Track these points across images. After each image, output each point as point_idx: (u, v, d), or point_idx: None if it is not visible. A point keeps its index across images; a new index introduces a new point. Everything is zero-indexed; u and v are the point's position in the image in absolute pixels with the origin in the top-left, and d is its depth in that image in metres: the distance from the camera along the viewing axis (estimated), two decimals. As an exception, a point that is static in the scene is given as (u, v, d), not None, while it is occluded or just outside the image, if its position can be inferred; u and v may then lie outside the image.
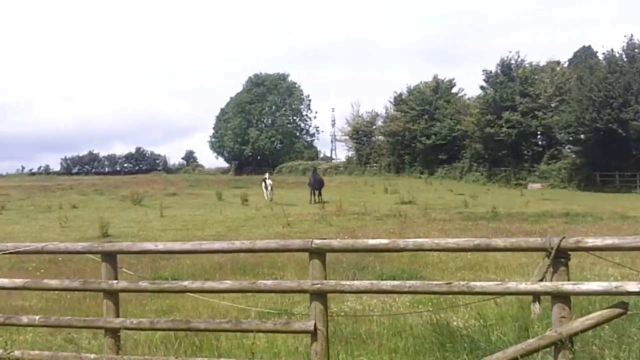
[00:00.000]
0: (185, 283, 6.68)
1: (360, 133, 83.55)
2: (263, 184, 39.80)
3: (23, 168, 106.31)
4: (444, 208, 29.60)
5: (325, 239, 6.16)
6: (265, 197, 38.51)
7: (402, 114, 73.68)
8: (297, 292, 6.46)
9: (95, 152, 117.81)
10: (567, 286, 5.27)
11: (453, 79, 76.02)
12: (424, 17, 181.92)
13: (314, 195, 37.82)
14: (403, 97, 76.85)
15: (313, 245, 6.00)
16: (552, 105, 59.32)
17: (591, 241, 5.29)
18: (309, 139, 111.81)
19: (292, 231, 20.53)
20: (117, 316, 6.68)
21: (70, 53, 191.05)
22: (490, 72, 63.61)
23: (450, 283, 5.70)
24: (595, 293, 5.44)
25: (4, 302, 10.07)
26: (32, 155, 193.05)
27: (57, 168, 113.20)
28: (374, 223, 23.01)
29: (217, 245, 6.67)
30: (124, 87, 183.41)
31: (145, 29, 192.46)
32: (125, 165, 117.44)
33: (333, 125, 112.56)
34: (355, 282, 6.27)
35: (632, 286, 5.11)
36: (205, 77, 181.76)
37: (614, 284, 5.24)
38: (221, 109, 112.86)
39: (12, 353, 6.39)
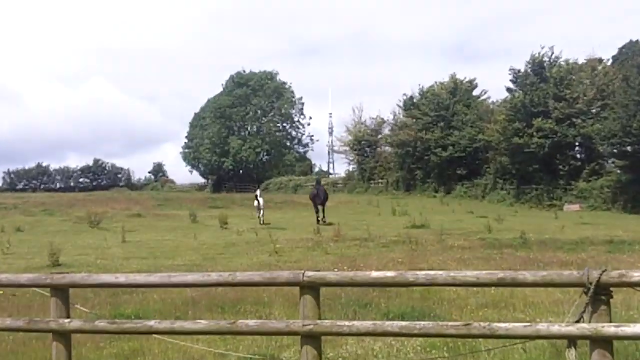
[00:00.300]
0: (152, 323, 6.67)
1: (363, 143, 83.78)
2: (255, 202, 39.85)
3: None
4: (462, 233, 29.58)
5: (319, 270, 6.17)
6: (257, 217, 38.93)
7: (414, 120, 73.87)
8: (285, 334, 6.46)
9: (44, 164, 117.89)
10: (609, 329, 5.28)
11: (474, 79, 76.44)
12: (439, 6, 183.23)
13: (319, 212, 38.48)
14: (414, 100, 77.08)
15: (305, 278, 6.00)
16: (593, 111, 59.51)
17: (637, 275, 5.30)
18: (301, 149, 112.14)
19: (280, 260, 20.50)
20: (69, 362, 6.66)
21: (16, 46, 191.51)
22: (519, 71, 63.91)
23: (469, 324, 5.71)
24: (643, 337, 5.45)
25: None
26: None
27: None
28: (378, 251, 22.99)
29: (190, 277, 6.67)
30: (80, 87, 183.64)
31: (104, 17, 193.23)
32: (81, 180, 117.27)
33: (331, 133, 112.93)
34: (356, 323, 6.27)
35: (686, 329, 5.12)
36: (177, 75, 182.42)
37: (665, 326, 5.25)
38: (196, 114, 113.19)
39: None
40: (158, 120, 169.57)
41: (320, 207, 38.56)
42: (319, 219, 37.99)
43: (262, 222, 38.15)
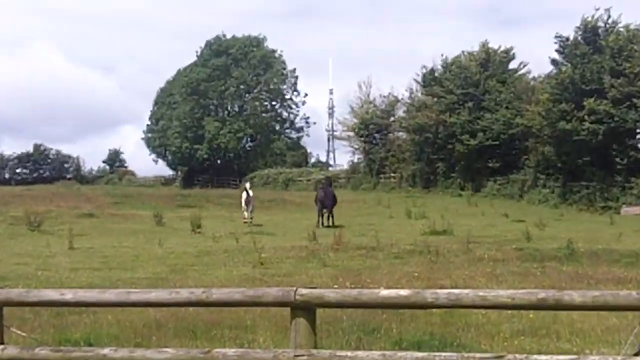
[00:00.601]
0: (105, 351, 6.68)
1: (372, 128, 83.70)
2: (244, 195, 40.53)
3: None
4: (495, 242, 29.63)
5: (315, 287, 6.18)
6: (244, 216, 40.15)
7: (435, 99, 73.85)
8: (272, 366, 6.47)
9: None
10: (676, 363, 5.30)
11: (511, 49, 76.46)
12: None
13: (323, 216, 39.92)
14: (436, 74, 77.09)
15: (297, 297, 6.02)
16: (659, 89, 59.49)
17: None
18: (294, 135, 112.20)
19: (266, 274, 20.51)
20: (2, 400, 6.67)
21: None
22: (567, 39, 63.86)
23: (502, 356, 5.73)
24: None
25: None
26: None
27: None
28: (389, 263, 23.02)
29: (155, 294, 6.68)
30: (18, 54, 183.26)
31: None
32: (18, 171, 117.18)
33: (331, 115, 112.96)
34: (360, 353, 6.28)
35: None
36: (139, 40, 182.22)
37: None
38: (162, 89, 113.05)
39: None
40: (115, 96, 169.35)
41: (325, 211, 39.85)
42: (320, 223, 38.98)
43: (250, 221, 39.49)
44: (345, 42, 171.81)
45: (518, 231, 33.13)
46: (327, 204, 39.83)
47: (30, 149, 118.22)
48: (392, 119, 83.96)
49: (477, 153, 69.66)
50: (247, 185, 42.70)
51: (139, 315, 13.65)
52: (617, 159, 59.03)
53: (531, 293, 5.81)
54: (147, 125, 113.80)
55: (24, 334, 7.99)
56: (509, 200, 63.52)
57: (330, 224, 39.12)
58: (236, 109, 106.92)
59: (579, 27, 63.32)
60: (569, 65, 62.26)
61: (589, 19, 63.00)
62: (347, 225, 38.38)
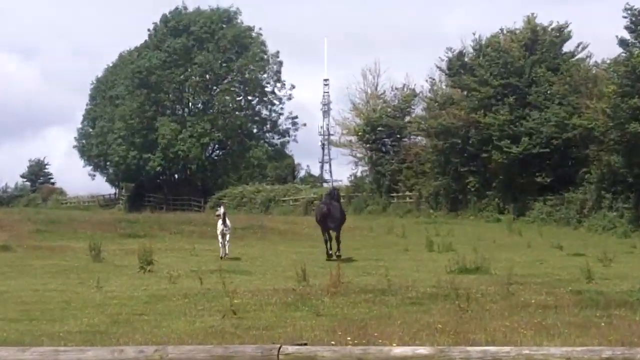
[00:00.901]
0: None
1: (381, 131, 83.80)
2: (219, 225, 40.90)
3: None
4: (544, 282, 29.68)
5: (305, 343, 6.19)
6: (221, 248, 41.01)
7: (465, 93, 73.98)
8: None
9: None
10: None
11: (565, 26, 76.69)
12: None
13: (331, 240, 40.03)
14: (466, 59, 77.20)
15: (282, 357, 6.04)
16: None
17: None
18: (277, 140, 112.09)
19: (240, 326, 20.51)
20: None
21: None
22: (639, 12, 64.04)
23: None
24: None
25: None
26: None
27: None
28: (405, 311, 23.04)
29: (92, 353, 6.69)
30: None
31: None
32: None
33: (326, 113, 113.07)
34: None
35: None
36: (70, 16, 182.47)
37: None
38: (100, 80, 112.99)
39: None
40: (38, 88, 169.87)
41: (333, 234, 39.87)
42: (330, 252, 39.49)
43: (225, 252, 40.33)
44: (346, 17, 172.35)
45: (576, 268, 33.18)
46: (333, 221, 39.70)
47: None
48: (407, 118, 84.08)
49: (521, 164, 69.76)
50: (221, 209, 42.61)
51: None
52: None
53: (593, 351, 5.84)
54: (80, 127, 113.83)
55: None
56: (564, 227, 63.60)
57: (337, 249, 39.42)
58: (200, 106, 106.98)
59: (655, -3, 63.61)
60: (642, 47, 62.48)
61: (668, -14, 63.32)
62: (348, 260, 38.37)
